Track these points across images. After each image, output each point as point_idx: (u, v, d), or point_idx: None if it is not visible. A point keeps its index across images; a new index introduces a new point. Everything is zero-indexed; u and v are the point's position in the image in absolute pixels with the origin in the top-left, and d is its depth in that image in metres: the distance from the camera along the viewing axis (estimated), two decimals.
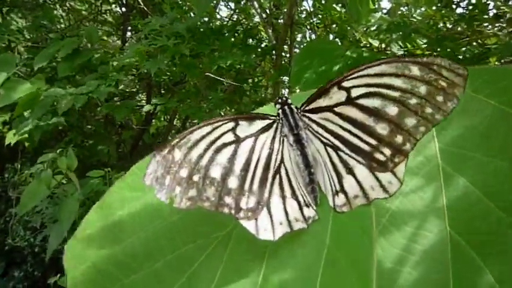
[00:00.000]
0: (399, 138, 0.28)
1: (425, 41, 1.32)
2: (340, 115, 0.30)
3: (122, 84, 1.99)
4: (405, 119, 0.28)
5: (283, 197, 0.30)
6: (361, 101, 0.29)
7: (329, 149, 0.30)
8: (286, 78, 1.63)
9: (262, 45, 1.52)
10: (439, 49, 1.26)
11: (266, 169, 0.30)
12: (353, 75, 0.29)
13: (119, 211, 0.32)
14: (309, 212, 0.30)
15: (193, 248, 0.30)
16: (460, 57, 1.36)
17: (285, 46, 1.62)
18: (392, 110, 0.28)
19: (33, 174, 1.45)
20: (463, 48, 1.48)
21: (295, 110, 0.31)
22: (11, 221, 1.80)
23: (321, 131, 0.31)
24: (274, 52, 1.55)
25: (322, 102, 0.30)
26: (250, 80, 1.74)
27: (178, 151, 0.28)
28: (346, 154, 0.30)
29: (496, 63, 1.56)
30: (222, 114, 1.68)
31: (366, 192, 0.29)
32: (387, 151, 0.28)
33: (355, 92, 0.29)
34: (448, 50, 1.21)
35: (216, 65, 1.16)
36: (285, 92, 1.89)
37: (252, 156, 0.30)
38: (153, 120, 2.23)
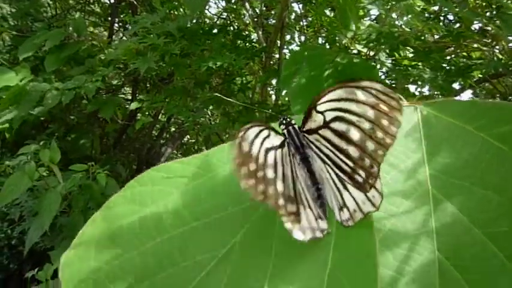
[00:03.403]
0: (367, 162, 0.29)
1: (412, 50, 1.35)
2: (324, 138, 0.31)
3: (107, 77, 1.96)
4: (366, 143, 0.29)
5: (304, 207, 0.31)
6: (333, 125, 0.31)
7: (328, 168, 0.32)
8: (274, 81, 1.64)
9: (252, 47, 1.53)
10: (423, 60, 1.28)
11: (293, 177, 0.32)
12: (323, 99, 0.31)
13: (116, 224, 0.32)
14: (323, 224, 0.31)
15: (192, 265, 0.30)
16: (447, 67, 1.38)
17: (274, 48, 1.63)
18: (355, 134, 0.29)
19: (14, 165, 1.42)
20: (448, 58, 1.51)
21: (298, 130, 0.33)
22: None
23: (317, 151, 0.32)
24: (263, 54, 1.56)
25: (310, 124, 0.32)
26: (238, 79, 1.74)
27: (245, 144, 0.29)
28: (338, 173, 0.31)
29: (480, 75, 1.60)
30: (209, 113, 1.68)
31: (360, 206, 0.31)
32: (362, 173, 0.30)
33: (328, 116, 0.31)
34: (433, 62, 1.23)
35: (206, 65, 1.16)
36: (273, 93, 1.90)
37: (283, 165, 0.31)
38: (139, 115, 2.21)
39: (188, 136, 2.74)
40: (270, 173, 0.30)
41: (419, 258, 0.31)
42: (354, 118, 0.29)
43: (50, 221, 1.27)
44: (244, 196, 0.30)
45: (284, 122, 0.33)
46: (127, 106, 2.16)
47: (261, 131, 0.30)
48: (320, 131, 0.31)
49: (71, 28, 1.64)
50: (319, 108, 0.31)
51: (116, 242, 0.31)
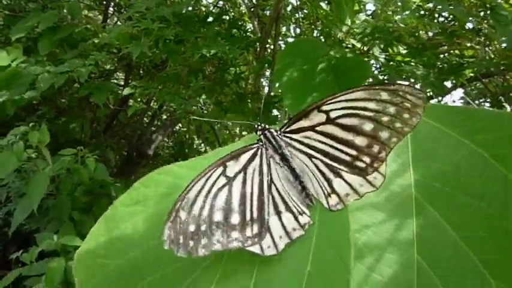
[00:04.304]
0: (376, 148, 0.33)
1: (405, 47, 1.35)
2: (322, 133, 0.35)
3: (100, 62, 1.95)
4: (379, 133, 0.33)
5: (279, 213, 0.34)
6: (340, 121, 0.34)
7: (315, 160, 0.35)
8: (268, 72, 1.64)
9: (247, 36, 1.52)
10: (416, 57, 1.29)
11: (260, 194, 0.34)
12: (331, 101, 0.34)
13: (122, 224, 0.34)
14: (304, 219, 0.34)
15: (188, 264, 0.33)
16: (440, 65, 1.39)
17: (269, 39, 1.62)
18: (368, 126, 0.33)
19: (3, 146, 1.41)
20: (441, 56, 1.52)
21: (275, 133, 0.36)
22: None
23: (303, 147, 0.36)
24: (258, 44, 1.55)
25: (304, 123, 0.35)
26: (231, 69, 1.73)
27: (182, 212, 0.31)
28: (330, 163, 0.35)
29: (471, 74, 1.61)
30: (202, 102, 1.68)
31: (355, 189, 0.34)
32: (367, 159, 0.33)
33: (333, 114, 0.34)
34: (426, 59, 1.24)
35: (200, 53, 1.16)
36: (266, 84, 1.90)
37: (246, 189, 0.34)
38: (130, 101, 2.20)
39: (180, 124, 2.73)
40: (217, 216, 0.32)
41: (396, 263, 0.32)
42: (370, 114, 0.33)
43: (38, 202, 1.27)
44: None
45: (260, 128, 0.37)
46: (119, 91, 2.14)
47: (206, 180, 0.33)
48: (318, 128, 0.35)
49: (65, 10, 1.62)
50: (324, 107, 0.34)
51: (122, 240, 0.33)
